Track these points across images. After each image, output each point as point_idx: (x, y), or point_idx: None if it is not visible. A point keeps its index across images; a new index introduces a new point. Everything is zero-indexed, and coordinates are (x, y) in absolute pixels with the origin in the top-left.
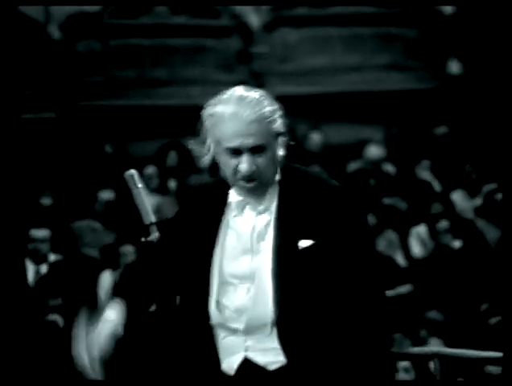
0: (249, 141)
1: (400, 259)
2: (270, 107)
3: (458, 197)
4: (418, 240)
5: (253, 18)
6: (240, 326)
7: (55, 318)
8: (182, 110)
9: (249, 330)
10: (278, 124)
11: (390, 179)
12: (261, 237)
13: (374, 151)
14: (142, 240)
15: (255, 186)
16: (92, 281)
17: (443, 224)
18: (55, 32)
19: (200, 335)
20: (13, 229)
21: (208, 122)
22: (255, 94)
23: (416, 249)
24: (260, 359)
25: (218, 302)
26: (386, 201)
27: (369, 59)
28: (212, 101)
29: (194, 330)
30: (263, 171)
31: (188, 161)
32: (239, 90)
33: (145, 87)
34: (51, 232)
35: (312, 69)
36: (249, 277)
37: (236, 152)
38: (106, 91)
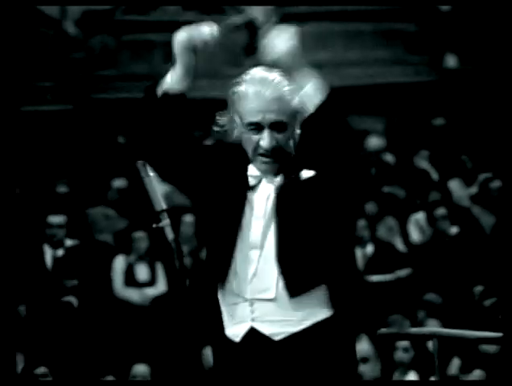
0: (271, 117)
1: (399, 244)
2: (289, 86)
3: (455, 185)
4: (416, 227)
5: (259, 14)
6: (247, 293)
7: (71, 299)
8: (191, 102)
9: (254, 295)
10: (297, 102)
11: (390, 168)
12: (271, 206)
13: (375, 142)
14: (154, 226)
15: (274, 162)
16: (105, 265)
17: (441, 211)
18: (70, 28)
19: (209, 300)
20: (32, 216)
21: (232, 100)
22: (276, 74)
23: (415, 235)
24: (266, 329)
25: (231, 268)
26: (386, 189)
27: (369, 53)
28: (237, 80)
29: (205, 293)
30: (283, 147)
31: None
32: (261, 70)
33: (155, 80)
34: (67, 218)
35: (315, 63)
36: (260, 245)
37: (257, 128)
38: (119, 84)
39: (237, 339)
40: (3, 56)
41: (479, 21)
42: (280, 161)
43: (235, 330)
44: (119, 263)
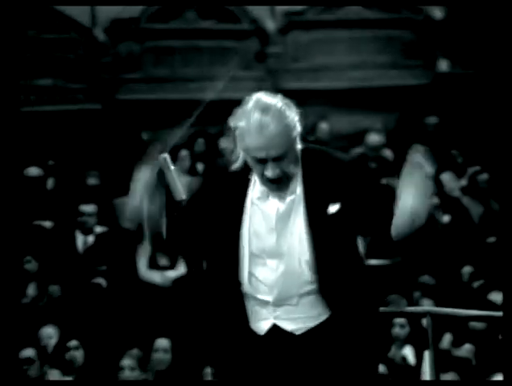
0: (273, 153)
1: None
2: (290, 116)
3: (446, 178)
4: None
5: (269, 22)
6: (270, 298)
7: (100, 281)
8: (208, 103)
9: (277, 303)
10: (298, 128)
11: (388, 163)
12: (285, 217)
13: (374, 138)
14: (175, 214)
15: (280, 186)
16: (131, 250)
17: (434, 201)
18: (100, 35)
19: (231, 298)
20: (65, 205)
21: (235, 135)
22: (277, 104)
23: None
24: (288, 326)
25: (250, 274)
26: (385, 181)
27: (370, 58)
28: (238, 112)
29: (224, 292)
30: (287, 172)
31: (214, 147)
32: (261, 101)
33: (176, 82)
34: (97, 207)
35: (321, 67)
36: (277, 255)
37: (261, 161)
38: (143, 86)
39: (262, 333)
40: (40, 61)
41: (470, 28)
42: (286, 182)
43: (258, 326)
44: (144, 248)
